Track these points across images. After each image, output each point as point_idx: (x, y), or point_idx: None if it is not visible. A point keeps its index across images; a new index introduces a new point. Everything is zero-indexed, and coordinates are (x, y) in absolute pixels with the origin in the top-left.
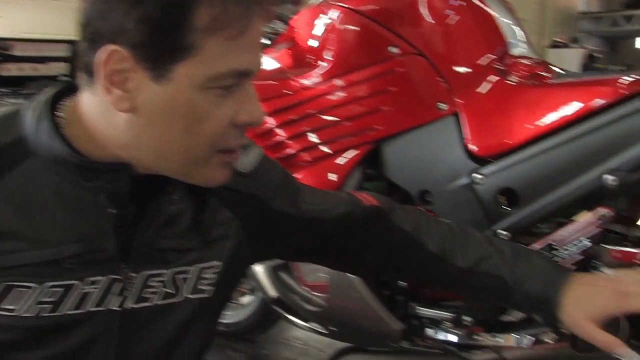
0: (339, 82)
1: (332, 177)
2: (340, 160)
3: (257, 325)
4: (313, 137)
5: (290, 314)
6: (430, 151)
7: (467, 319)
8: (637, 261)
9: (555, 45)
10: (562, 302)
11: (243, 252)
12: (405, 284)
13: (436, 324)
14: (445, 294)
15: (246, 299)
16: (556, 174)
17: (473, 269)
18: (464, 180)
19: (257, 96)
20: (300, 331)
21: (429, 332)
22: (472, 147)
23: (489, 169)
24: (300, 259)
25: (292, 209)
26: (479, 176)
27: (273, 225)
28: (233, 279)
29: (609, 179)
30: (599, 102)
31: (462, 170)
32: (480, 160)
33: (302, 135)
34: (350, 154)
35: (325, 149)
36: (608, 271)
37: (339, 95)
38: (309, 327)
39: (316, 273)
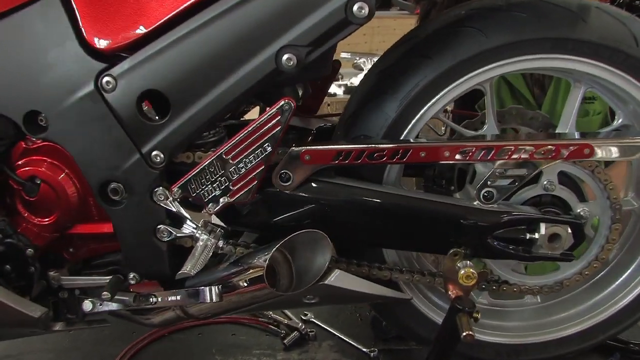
0: None
1: None
2: None
3: None
4: None
5: None
6: (30, 50)
7: (133, 275)
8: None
9: None
10: None
11: None
12: (32, 250)
13: (94, 292)
14: (93, 250)
15: None
16: (213, 62)
17: None
18: (87, 89)
19: None
20: None
21: (88, 305)
22: (92, 38)
23: (120, 68)
24: None
25: None
26: (108, 79)
27: None
28: None
29: (284, 58)
30: None
31: (83, 75)
32: (106, 58)
33: None
34: None
35: None
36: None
37: None
38: None
39: None
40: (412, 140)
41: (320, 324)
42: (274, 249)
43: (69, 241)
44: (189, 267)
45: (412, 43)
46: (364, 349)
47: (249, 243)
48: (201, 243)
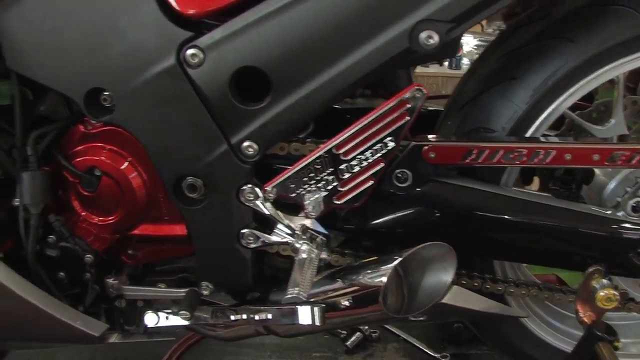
0: None
1: None
2: None
3: None
4: None
5: None
6: (95, 14)
7: (206, 285)
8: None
9: None
10: None
11: None
12: (90, 257)
13: (164, 303)
14: (158, 254)
15: None
16: (329, 37)
17: None
18: (167, 62)
19: None
20: None
21: (151, 319)
22: (175, 0)
23: (209, 38)
24: None
25: None
26: (193, 51)
27: None
28: None
29: (421, 36)
30: None
31: (162, 46)
32: (191, 26)
33: None
34: None
35: None
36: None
37: None
38: None
39: None
40: (558, 140)
41: (385, 325)
42: (393, 266)
43: (129, 243)
44: (299, 289)
45: (545, 23)
46: (434, 354)
47: (355, 254)
48: (304, 255)
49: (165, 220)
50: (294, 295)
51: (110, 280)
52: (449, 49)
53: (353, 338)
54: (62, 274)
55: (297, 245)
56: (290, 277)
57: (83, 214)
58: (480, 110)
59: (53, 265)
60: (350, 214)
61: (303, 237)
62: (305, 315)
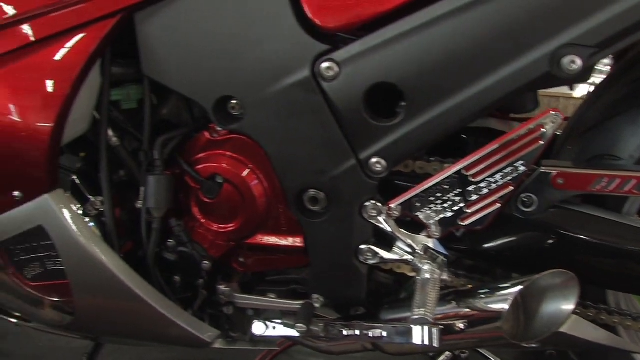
0: None
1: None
2: (61, 54)
3: None
4: None
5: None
6: (231, 23)
7: (318, 297)
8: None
9: None
10: None
11: None
12: (207, 263)
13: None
14: (270, 263)
15: None
16: (468, 57)
17: None
18: (301, 74)
19: None
20: None
21: (259, 328)
22: (313, 11)
23: (346, 52)
24: None
25: None
26: (329, 64)
27: None
28: None
29: (564, 61)
30: None
31: (297, 57)
32: (327, 39)
33: None
34: (78, 38)
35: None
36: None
37: None
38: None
39: (45, 270)
40: None
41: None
42: (516, 292)
43: (241, 250)
44: (425, 310)
45: None
46: None
47: (468, 275)
48: (427, 275)
49: (282, 231)
50: (420, 316)
51: (222, 287)
52: (586, 75)
53: (442, 357)
54: (177, 277)
55: (419, 265)
56: (414, 296)
57: (202, 220)
58: (606, 136)
59: (169, 269)
60: (465, 235)
61: (425, 256)
62: (422, 336)
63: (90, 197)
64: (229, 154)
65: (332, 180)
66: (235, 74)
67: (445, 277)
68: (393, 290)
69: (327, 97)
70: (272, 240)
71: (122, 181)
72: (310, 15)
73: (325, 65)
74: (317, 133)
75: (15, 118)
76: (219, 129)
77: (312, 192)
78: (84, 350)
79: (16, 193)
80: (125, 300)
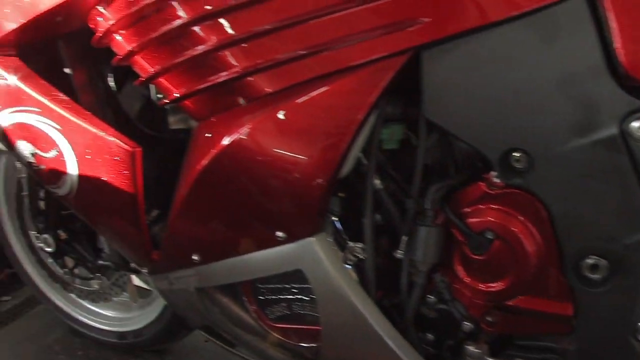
0: None
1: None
2: (351, 90)
3: (169, 333)
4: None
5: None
6: (530, 70)
7: None
8: None
9: None
10: None
11: None
12: (469, 325)
13: None
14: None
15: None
16: None
17: None
18: (607, 131)
19: None
20: None
21: None
22: (630, 64)
23: None
24: None
25: None
26: None
27: None
28: None
29: None
30: None
31: (604, 113)
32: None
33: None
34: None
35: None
36: None
37: None
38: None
39: (291, 313)
40: None
41: None
42: None
43: (492, 309)
44: None
45: None
46: None
47: None
48: None
49: (548, 296)
50: None
51: (471, 348)
52: None
53: None
54: (430, 335)
55: None
56: None
57: (465, 277)
58: None
59: (424, 325)
60: None
61: None
62: None
63: (350, 242)
64: (505, 209)
65: (622, 249)
66: (529, 126)
67: None
68: None
69: (635, 157)
70: (536, 304)
71: (377, 226)
72: (625, 67)
73: (636, 124)
74: (614, 196)
75: (300, 156)
76: (496, 180)
77: (593, 258)
78: None
79: (279, 233)
80: (379, 352)
